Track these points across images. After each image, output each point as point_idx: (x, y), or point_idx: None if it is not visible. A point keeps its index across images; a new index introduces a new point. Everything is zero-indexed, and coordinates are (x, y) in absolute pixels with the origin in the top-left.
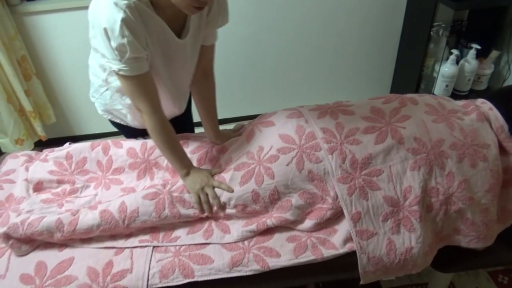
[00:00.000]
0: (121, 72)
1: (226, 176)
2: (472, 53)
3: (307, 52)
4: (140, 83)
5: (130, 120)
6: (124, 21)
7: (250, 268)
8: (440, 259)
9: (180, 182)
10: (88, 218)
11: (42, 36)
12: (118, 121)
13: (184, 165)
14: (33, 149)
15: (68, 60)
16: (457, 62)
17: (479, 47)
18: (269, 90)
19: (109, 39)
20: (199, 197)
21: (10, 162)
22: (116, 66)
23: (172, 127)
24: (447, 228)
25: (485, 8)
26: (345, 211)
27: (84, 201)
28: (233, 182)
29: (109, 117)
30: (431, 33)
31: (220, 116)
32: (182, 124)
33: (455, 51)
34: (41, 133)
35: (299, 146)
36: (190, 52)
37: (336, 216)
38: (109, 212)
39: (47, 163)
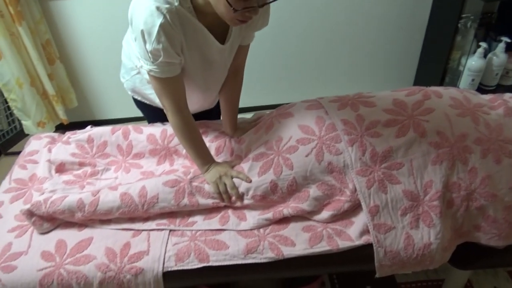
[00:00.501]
0: (151, 73)
1: (244, 166)
2: (501, 46)
3: (329, 42)
4: (168, 84)
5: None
6: (162, 26)
7: (264, 255)
8: (459, 255)
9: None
10: (109, 200)
11: (66, 21)
12: (146, 102)
13: (205, 161)
14: (54, 132)
15: (91, 45)
16: (485, 56)
17: (509, 40)
18: (290, 80)
19: (145, 41)
20: (218, 187)
21: (33, 143)
22: (147, 66)
23: (196, 125)
24: (467, 225)
25: None
26: (363, 204)
27: (105, 183)
28: (252, 172)
29: (138, 98)
30: (459, 25)
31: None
32: (209, 114)
33: (483, 44)
34: (63, 117)
35: (319, 137)
36: (228, 55)
37: (354, 208)
38: (130, 195)
39: (69, 145)
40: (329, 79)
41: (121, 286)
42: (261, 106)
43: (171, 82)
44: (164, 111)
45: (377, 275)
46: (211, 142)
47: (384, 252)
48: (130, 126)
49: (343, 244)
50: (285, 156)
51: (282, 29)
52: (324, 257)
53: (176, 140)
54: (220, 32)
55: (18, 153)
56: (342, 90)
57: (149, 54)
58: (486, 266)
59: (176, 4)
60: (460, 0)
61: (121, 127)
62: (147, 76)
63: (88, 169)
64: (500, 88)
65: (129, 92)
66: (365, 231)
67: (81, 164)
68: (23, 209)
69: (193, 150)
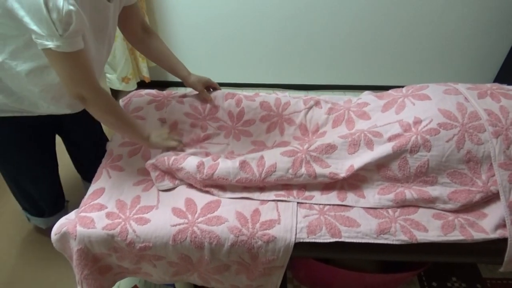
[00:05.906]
0: (59, 49)
1: (380, 147)
2: None
3: (421, 30)
4: (80, 61)
5: (36, 107)
6: None
7: (397, 237)
8: None
9: (318, 143)
10: (228, 166)
11: None
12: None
13: (142, 132)
14: (136, 89)
15: (180, 11)
16: None
17: None
18: (381, 63)
19: (49, 11)
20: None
21: (135, 101)
22: (54, 43)
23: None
24: None
25: None
26: (502, 197)
27: (218, 148)
28: (386, 147)
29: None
30: None
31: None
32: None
33: None
34: (146, 74)
35: (462, 124)
36: (114, 15)
37: (485, 200)
38: (248, 163)
39: (183, 105)
40: (403, 66)
41: (250, 251)
42: (348, 85)
43: (81, 57)
44: (81, 102)
45: (501, 270)
46: (328, 114)
47: None
48: (242, 95)
49: (477, 235)
50: (424, 137)
51: (381, 15)
52: (453, 246)
53: (290, 109)
54: None
55: None
56: (420, 77)
57: (57, 25)
58: None
59: None
60: None
61: (234, 96)
62: (22, 68)
63: (200, 133)
64: None
65: None
66: (500, 225)
67: (192, 125)
68: (149, 162)
69: (129, 127)
